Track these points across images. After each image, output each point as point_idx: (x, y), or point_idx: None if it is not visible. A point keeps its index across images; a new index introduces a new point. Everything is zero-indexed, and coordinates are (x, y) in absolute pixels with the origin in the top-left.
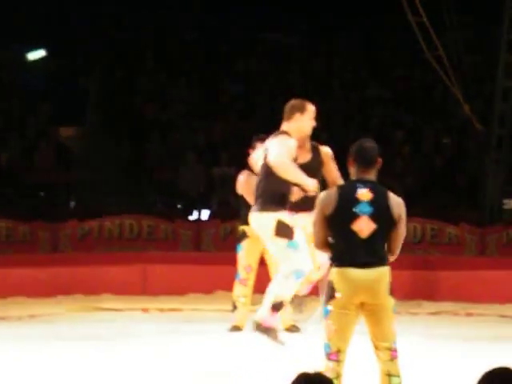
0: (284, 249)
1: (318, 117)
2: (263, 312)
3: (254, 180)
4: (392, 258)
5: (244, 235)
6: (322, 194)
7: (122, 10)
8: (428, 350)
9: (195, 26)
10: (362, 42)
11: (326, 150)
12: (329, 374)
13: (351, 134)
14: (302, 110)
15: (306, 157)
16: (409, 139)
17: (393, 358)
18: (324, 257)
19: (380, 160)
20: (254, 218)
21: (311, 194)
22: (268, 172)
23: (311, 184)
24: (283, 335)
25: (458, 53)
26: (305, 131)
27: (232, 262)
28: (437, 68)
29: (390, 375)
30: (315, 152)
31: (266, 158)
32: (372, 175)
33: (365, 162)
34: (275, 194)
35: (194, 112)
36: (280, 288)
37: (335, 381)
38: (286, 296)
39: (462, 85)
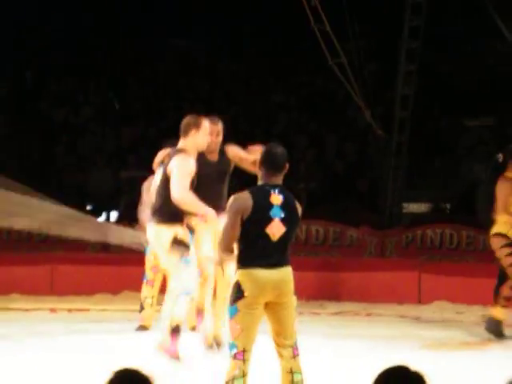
0: (176, 263)
1: (224, 121)
2: (164, 339)
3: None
4: None
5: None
6: (236, 199)
7: (30, 13)
8: (329, 348)
9: (105, 30)
10: (268, 48)
11: (228, 147)
12: (235, 373)
13: (257, 139)
14: (197, 126)
15: (214, 157)
16: (312, 145)
17: (295, 356)
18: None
19: (287, 166)
20: (151, 230)
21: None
22: (166, 186)
23: (210, 214)
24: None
25: (359, 61)
26: (201, 147)
27: (140, 263)
28: (339, 75)
29: (292, 372)
30: (222, 154)
31: (165, 172)
32: (280, 179)
33: (274, 167)
34: (173, 208)
35: (103, 116)
36: (173, 310)
37: (241, 379)
38: (180, 316)
39: (363, 92)
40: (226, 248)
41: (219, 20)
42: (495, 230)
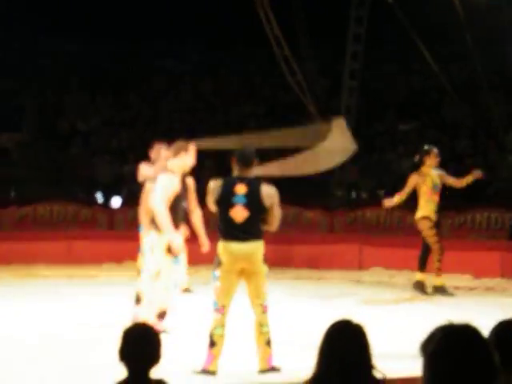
0: (170, 263)
1: (205, 127)
2: (153, 320)
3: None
4: (272, 229)
5: None
6: (212, 183)
7: (56, 41)
8: (288, 304)
9: (110, 54)
10: (241, 69)
11: (188, 182)
12: (216, 324)
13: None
14: (186, 149)
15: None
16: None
17: (264, 312)
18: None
19: (256, 162)
20: (148, 236)
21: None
22: None
23: (175, 241)
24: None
25: (312, 78)
26: (187, 167)
27: (137, 238)
28: (296, 89)
29: (261, 325)
30: (183, 182)
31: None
32: (250, 172)
33: (244, 163)
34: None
35: (108, 123)
36: (161, 299)
37: (221, 328)
38: (167, 305)
39: (315, 102)
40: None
41: (201, 46)
42: (422, 213)
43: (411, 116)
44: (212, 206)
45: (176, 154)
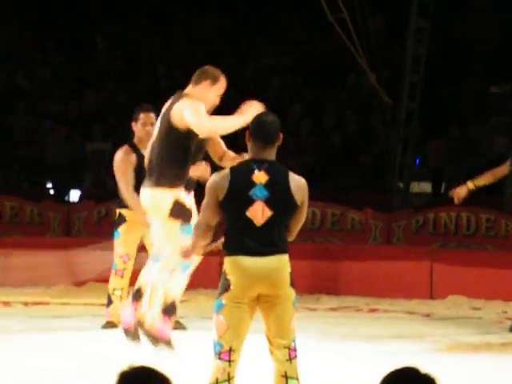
0: (176, 232)
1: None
2: (154, 319)
3: (134, 159)
4: (290, 238)
5: (121, 219)
6: (215, 176)
7: None
8: (326, 350)
9: None
10: (258, 2)
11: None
12: (219, 376)
13: None
14: (214, 79)
15: None
16: (307, 113)
17: (291, 358)
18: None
19: (281, 137)
20: (147, 194)
21: None
22: (166, 140)
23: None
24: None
25: (363, 16)
26: (208, 104)
27: (109, 249)
28: (340, 33)
29: (286, 377)
30: None
31: (167, 119)
32: (271, 154)
33: (264, 139)
34: (173, 167)
35: (64, 78)
36: (168, 286)
37: (226, 383)
38: (177, 294)
39: (367, 52)
40: (198, 232)
41: None
42: None
43: (508, 74)
44: (208, 217)
45: (197, 81)
